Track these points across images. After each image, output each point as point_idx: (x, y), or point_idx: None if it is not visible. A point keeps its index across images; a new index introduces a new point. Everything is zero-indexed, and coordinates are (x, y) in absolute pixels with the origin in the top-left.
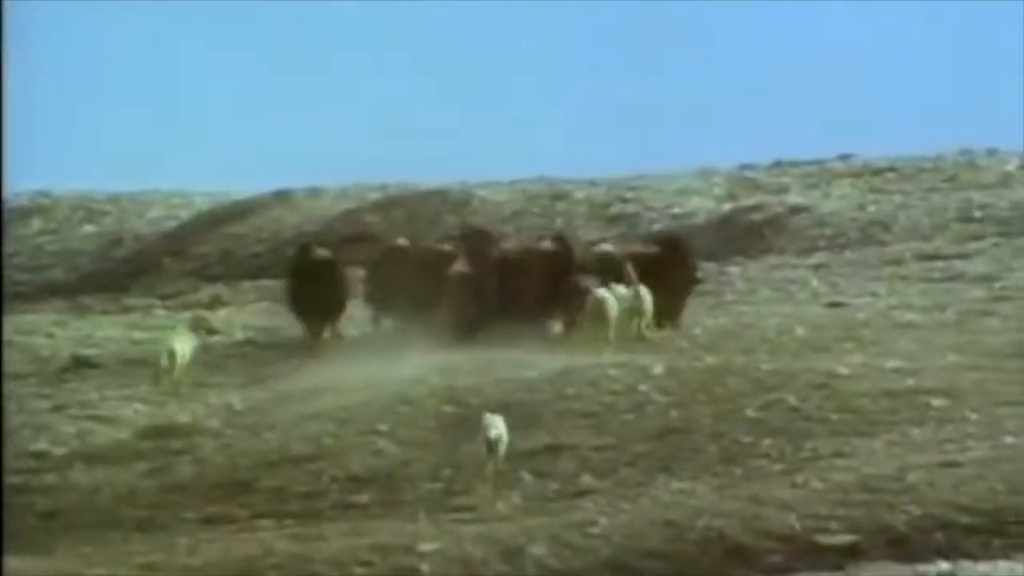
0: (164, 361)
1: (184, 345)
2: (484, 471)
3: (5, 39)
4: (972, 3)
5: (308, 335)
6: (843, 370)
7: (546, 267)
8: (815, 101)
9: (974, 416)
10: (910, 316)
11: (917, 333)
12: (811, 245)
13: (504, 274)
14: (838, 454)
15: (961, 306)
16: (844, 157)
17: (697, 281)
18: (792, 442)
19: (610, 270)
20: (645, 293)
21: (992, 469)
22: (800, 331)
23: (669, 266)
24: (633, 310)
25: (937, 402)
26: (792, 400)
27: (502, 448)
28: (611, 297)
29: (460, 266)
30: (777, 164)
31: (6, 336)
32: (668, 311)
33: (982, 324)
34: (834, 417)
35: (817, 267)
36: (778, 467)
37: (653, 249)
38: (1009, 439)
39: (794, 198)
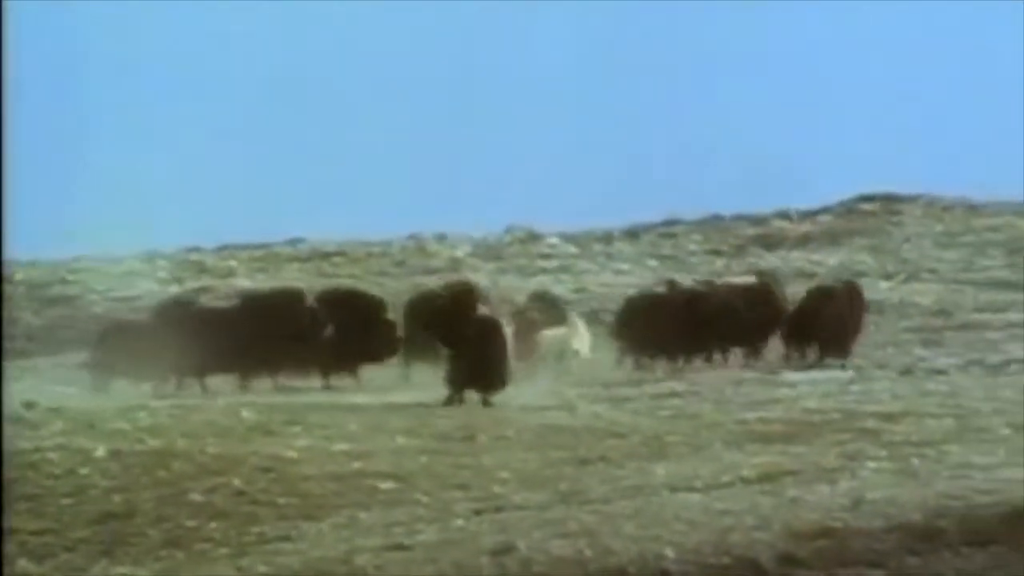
0: None
1: None
2: None
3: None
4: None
5: None
6: (290, 453)
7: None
8: (262, 185)
9: (424, 499)
10: (359, 399)
11: (365, 416)
12: None
13: None
14: (284, 538)
15: (408, 388)
16: (293, 241)
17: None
18: (238, 526)
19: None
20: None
21: (441, 552)
22: (247, 414)
23: (761, 302)
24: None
25: (385, 485)
26: (238, 483)
27: None
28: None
29: None
30: (224, 247)
31: None
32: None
33: (432, 408)
34: (280, 501)
35: None
36: (223, 551)
37: (748, 283)
38: (459, 522)
39: (241, 282)
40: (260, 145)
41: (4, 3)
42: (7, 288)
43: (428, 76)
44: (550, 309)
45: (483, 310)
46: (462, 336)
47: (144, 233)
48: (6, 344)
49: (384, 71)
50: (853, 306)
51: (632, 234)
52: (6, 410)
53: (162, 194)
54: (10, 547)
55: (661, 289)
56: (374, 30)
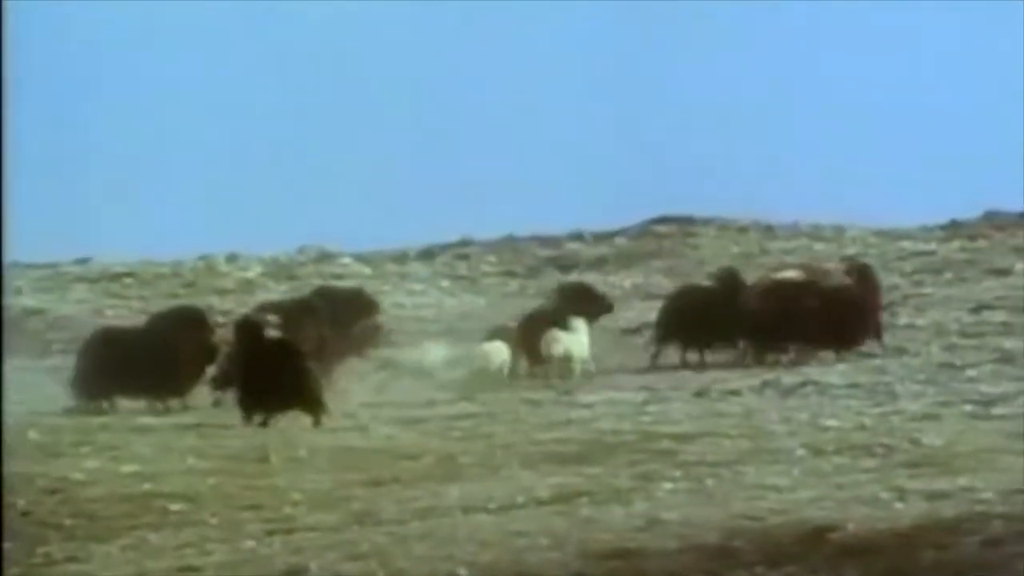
0: None
1: None
2: None
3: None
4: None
5: None
6: (78, 475)
7: None
8: (51, 206)
9: (214, 520)
10: (146, 420)
11: (155, 437)
12: (46, 348)
13: None
14: (72, 559)
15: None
16: (81, 261)
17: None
18: (24, 547)
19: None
20: None
21: (232, 572)
22: (33, 435)
23: (863, 292)
24: None
25: (176, 506)
26: (23, 504)
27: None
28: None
29: None
30: (15, 265)
31: None
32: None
33: (223, 428)
34: (68, 522)
35: (52, 370)
36: (11, 572)
37: (848, 279)
38: (249, 543)
39: (27, 300)
40: (47, 162)
41: (4, 3)
42: None
43: (224, 97)
44: (587, 302)
45: (272, 335)
46: (245, 364)
47: None
48: None
49: (176, 87)
50: (868, 288)
51: (427, 254)
52: None
53: None
54: None
55: (712, 283)
56: (173, 39)
